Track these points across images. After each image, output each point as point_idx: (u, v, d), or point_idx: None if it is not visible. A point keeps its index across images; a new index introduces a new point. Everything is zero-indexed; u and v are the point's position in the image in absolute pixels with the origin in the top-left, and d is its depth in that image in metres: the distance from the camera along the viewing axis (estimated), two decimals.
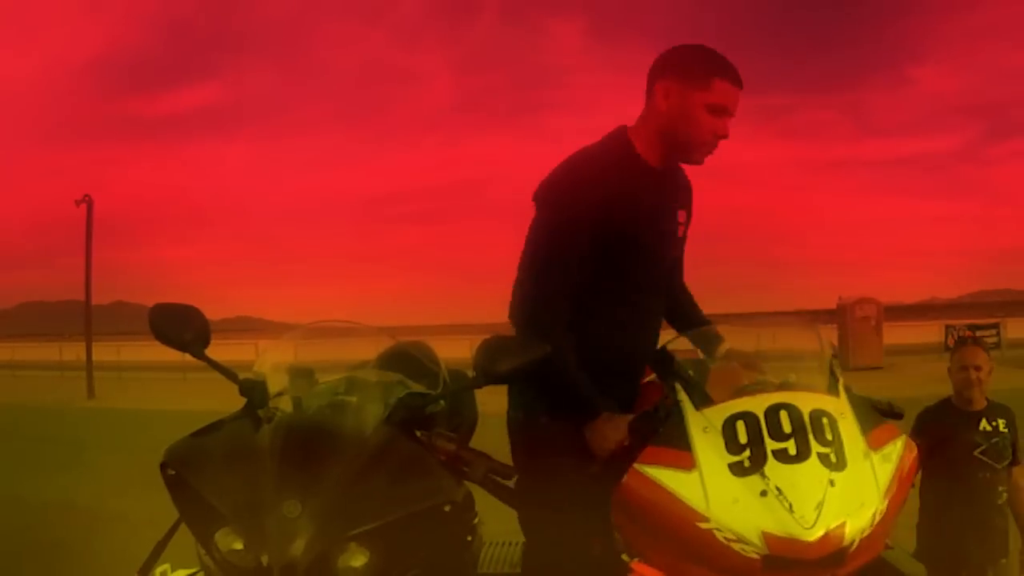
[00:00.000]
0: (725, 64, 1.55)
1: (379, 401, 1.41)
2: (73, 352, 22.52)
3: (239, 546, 1.21)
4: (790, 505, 1.16)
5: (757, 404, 1.27)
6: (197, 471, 1.27)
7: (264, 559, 1.17)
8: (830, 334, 18.64)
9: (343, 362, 1.64)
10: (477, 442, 1.65)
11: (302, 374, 1.46)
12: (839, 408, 1.30)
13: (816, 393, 1.32)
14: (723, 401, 1.32)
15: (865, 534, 1.18)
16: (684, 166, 1.69)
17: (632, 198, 1.54)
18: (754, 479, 1.20)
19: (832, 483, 1.18)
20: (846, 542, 1.16)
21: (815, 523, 1.14)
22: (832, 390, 1.35)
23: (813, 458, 1.20)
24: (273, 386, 1.43)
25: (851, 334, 17.93)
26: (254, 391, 1.40)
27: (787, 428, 1.23)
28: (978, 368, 2.55)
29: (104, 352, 21.57)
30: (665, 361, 1.46)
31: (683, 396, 1.36)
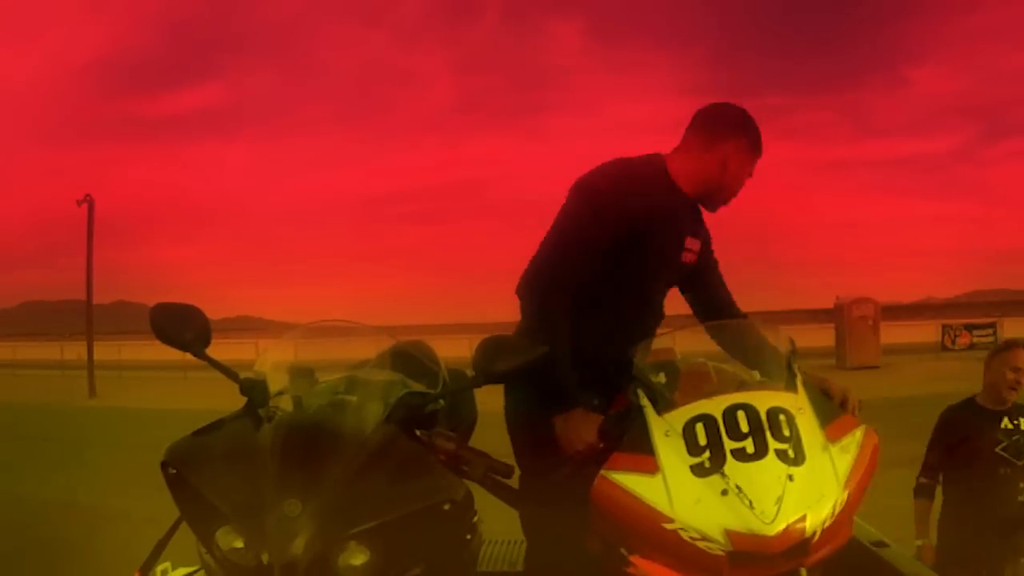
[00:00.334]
0: (753, 129, 1.78)
1: (379, 400, 1.41)
2: (74, 351, 22.53)
3: (240, 544, 1.21)
4: (750, 502, 1.19)
5: (715, 406, 1.31)
6: (198, 470, 1.27)
7: (265, 557, 1.17)
8: (828, 333, 18.55)
9: (343, 361, 1.64)
10: (476, 440, 1.66)
11: (302, 373, 1.46)
12: (797, 404, 1.33)
13: (773, 391, 1.36)
14: (686, 404, 1.35)
15: (827, 524, 1.21)
16: None
17: (652, 214, 1.66)
18: (715, 479, 1.23)
19: (791, 478, 1.21)
20: (808, 534, 1.19)
21: (775, 518, 1.17)
22: (790, 387, 1.38)
23: (771, 455, 1.23)
24: (273, 385, 1.43)
25: (848, 333, 17.95)
26: (255, 390, 1.40)
27: (744, 428, 1.27)
28: (1017, 370, 2.58)
29: (105, 351, 21.60)
30: (631, 367, 1.46)
31: (645, 402, 1.38)
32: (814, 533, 1.19)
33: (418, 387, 1.48)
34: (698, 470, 1.25)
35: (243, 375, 1.43)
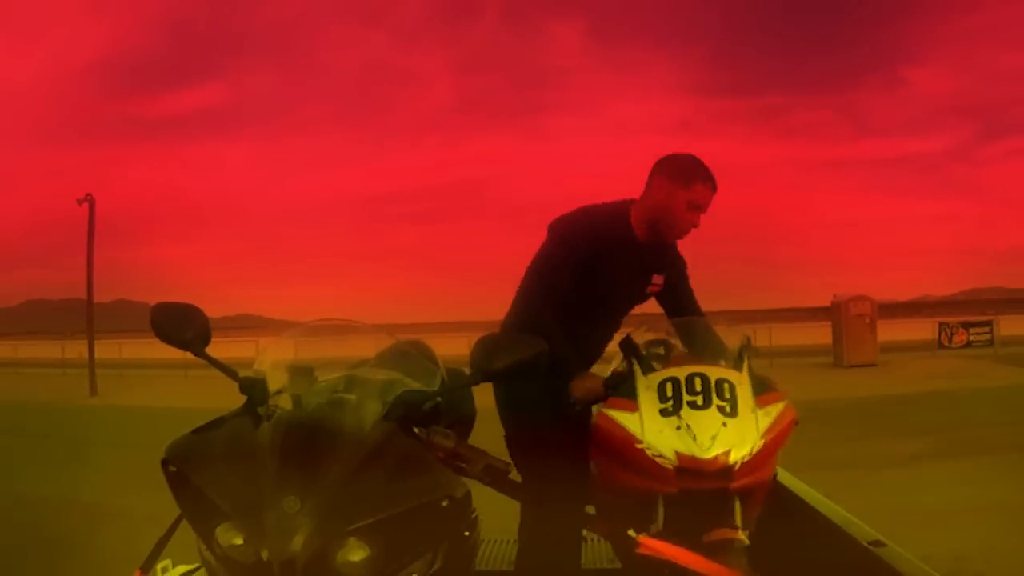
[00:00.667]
0: (706, 172, 2.07)
1: (378, 399, 1.42)
2: (75, 350, 22.53)
3: (239, 541, 1.21)
4: (694, 436, 1.75)
5: (680, 372, 1.88)
6: (198, 468, 1.28)
7: (264, 554, 1.18)
8: (825, 331, 18.62)
9: (342, 360, 1.65)
10: (475, 438, 1.66)
11: (302, 372, 1.47)
12: (739, 379, 1.87)
13: (724, 368, 1.90)
14: (662, 371, 1.91)
15: (746, 460, 1.75)
16: None
17: (611, 258, 2.08)
18: (673, 419, 1.80)
19: (724, 424, 1.77)
20: (731, 462, 1.73)
21: (710, 448, 1.74)
22: (737, 367, 1.92)
23: (713, 408, 1.79)
24: (273, 384, 1.44)
25: (846, 331, 17.94)
26: (254, 389, 1.41)
27: (698, 388, 1.83)
28: None
29: (106, 350, 21.59)
30: (629, 344, 2.02)
31: (636, 367, 1.95)
32: (735, 463, 1.74)
33: (416, 385, 1.49)
34: (663, 413, 1.82)
35: (243, 374, 1.44)
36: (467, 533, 1.46)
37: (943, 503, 5.29)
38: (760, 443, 1.77)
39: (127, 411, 13.18)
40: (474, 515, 1.49)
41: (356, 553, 1.20)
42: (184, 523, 1.38)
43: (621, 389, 1.94)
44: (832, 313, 18.75)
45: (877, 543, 1.64)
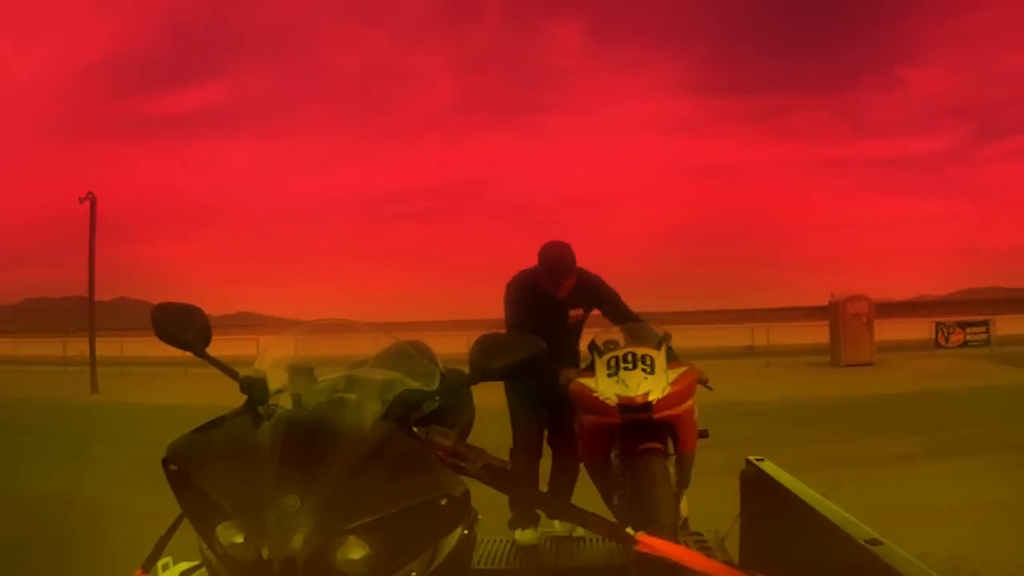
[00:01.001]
0: (557, 268, 3.13)
1: (377, 398, 1.42)
2: (77, 348, 22.56)
3: (240, 540, 1.22)
4: (627, 385, 2.73)
5: (620, 352, 2.87)
6: (198, 467, 1.28)
7: (264, 552, 1.18)
8: (823, 330, 18.91)
9: (342, 359, 1.65)
10: (474, 437, 1.67)
11: (302, 371, 1.47)
12: (657, 355, 2.84)
13: (648, 348, 2.87)
14: (609, 353, 2.89)
15: (660, 398, 2.69)
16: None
17: (538, 303, 3.18)
18: (615, 378, 2.78)
19: (646, 378, 2.74)
20: (650, 399, 2.68)
21: (636, 390, 2.71)
22: (657, 347, 2.88)
23: (638, 369, 2.77)
24: (273, 383, 1.44)
25: (843, 331, 17.93)
26: (254, 388, 1.41)
27: (630, 360, 2.81)
28: None
29: (107, 348, 21.60)
30: (592, 344, 3.01)
31: (595, 355, 2.91)
32: (653, 400, 2.68)
33: (416, 385, 1.49)
34: (609, 375, 2.80)
35: (243, 373, 1.44)
36: (466, 531, 1.47)
37: (939, 502, 5.30)
38: (669, 388, 2.74)
39: (128, 409, 13.20)
40: (473, 514, 1.50)
41: (356, 551, 1.21)
42: (185, 521, 1.38)
43: (587, 368, 2.96)
44: (829, 312, 18.76)
45: (874, 541, 1.64)
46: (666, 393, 2.69)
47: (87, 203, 18.82)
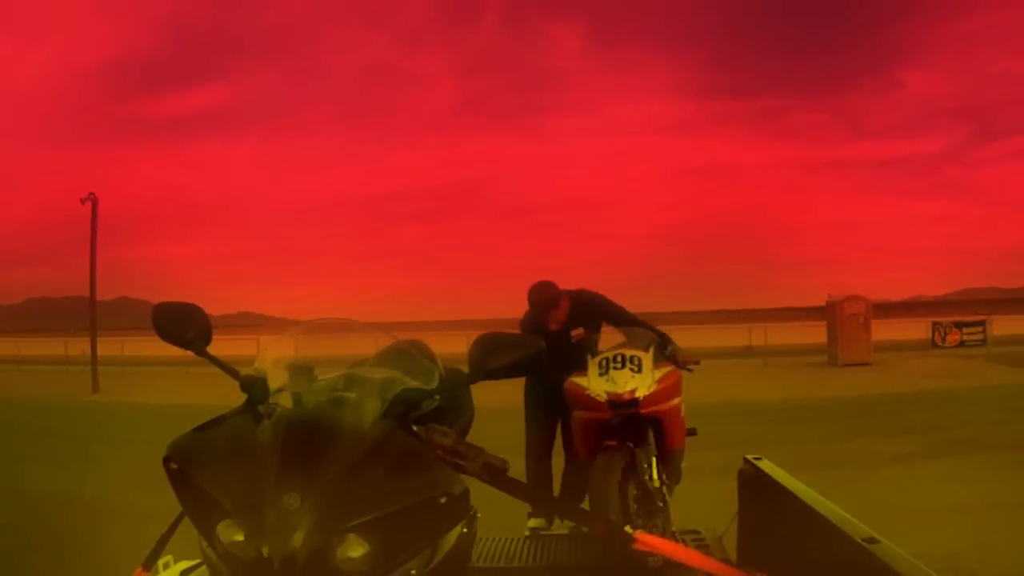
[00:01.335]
0: (536, 306, 3.53)
1: (377, 397, 1.43)
2: (78, 347, 22.59)
3: (240, 538, 1.22)
4: (615, 382, 2.98)
5: (610, 353, 3.10)
6: (199, 465, 1.28)
7: (265, 550, 1.19)
8: (820, 331, 19.10)
9: (342, 359, 1.66)
10: (473, 436, 1.68)
11: (302, 370, 1.48)
12: (645, 356, 3.07)
13: (636, 350, 3.10)
14: (600, 355, 3.13)
15: (646, 395, 2.95)
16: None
17: (542, 329, 3.46)
18: (605, 376, 3.02)
19: (633, 376, 2.98)
20: (637, 395, 2.94)
21: (625, 387, 2.95)
22: (645, 349, 3.10)
23: (626, 368, 3.02)
24: (273, 382, 1.45)
25: (840, 331, 17.94)
26: (255, 387, 1.41)
27: (619, 360, 3.04)
28: None
29: (109, 347, 21.62)
30: (588, 348, 3.27)
31: (589, 356, 3.16)
32: (640, 396, 2.94)
33: (415, 384, 1.49)
34: (600, 374, 3.04)
35: (243, 372, 1.44)
36: (465, 530, 1.47)
37: (937, 501, 5.31)
38: (655, 386, 2.99)
39: (129, 408, 13.22)
40: (472, 512, 1.50)
41: (356, 549, 1.21)
42: (185, 520, 1.39)
43: (581, 370, 3.18)
44: (827, 313, 18.76)
45: (871, 540, 1.65)
46: (652, 390, 2.94)
47: (88, 203, 18.87)
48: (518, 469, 3.15)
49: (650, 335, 3.26)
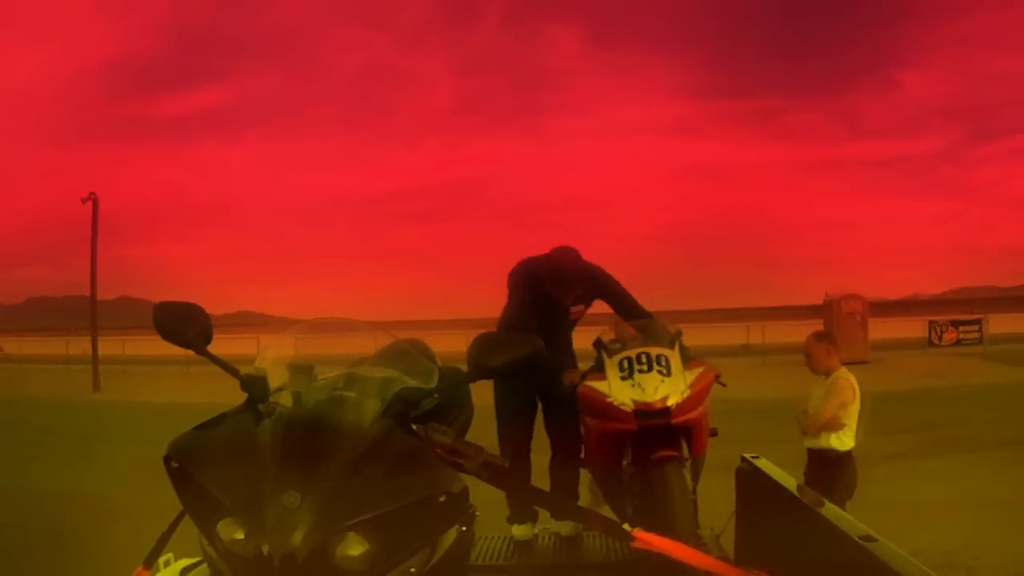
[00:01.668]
0: (560, 273, 3.01)
1: (376, 396, 1.43)
2: (79, 346, 22.57)
3: (240, 536, 1.23)
4: (643, 389, 2.57)
5: (632, 352, 2.71)
6: (200, 464, 1.29)
7: (265, 548, 1.19)
8: (817, 329, 19.24)
9: (342, 358, 1.67)
10: (472, 435, 1.68)
11: (302, 370, 1.48)
12: (672, 354, 2.69)
13: (661, 348, 2.72)
14: (620, 353, 2.75)
15: (677, 403, 2.54)
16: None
17: (542, 296, 3.05)
18: (629, 381, 2.61)
19: (663, 381, 2.58)
20: (668, 404, 2.53)
21: (654, 395, 2.55)
22: (671, 346, 2.74)
23: (654, 371, 2.61)
24: (274, 381, 1.45)
25: (837, 329, 17.85)
26: (255, 386, 1.42)
27: (644, 361, 2.65)
28: None
29: (110, 346, 21.63)
30: (599, 342, 2.90)
31: (603, 353, 2.80)
32: (672, 404, 2.54)
33: (414, 383, 1.49)
34: (622, 378, 2.63)
35: (244, 371, 1.45)
36: (464, 528, 1.48)
37: (933, 499, 5.31)
38: (688, 391, 2.58)
39: (130, 407, 13.22)
40: (471, 510, 1.51)
41: (355, 548, 1.22)
42: (186, 518, 1.39)
43: (595, 368, 2.84)
44: (824, 311, 18.76)
45: (868, 538, 1.65)
46: (685, 397, 2.53)
47: (89, 204, 18.87)
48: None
49: (667, 330, 2.86)
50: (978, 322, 20.27)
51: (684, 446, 2.61)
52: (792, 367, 17.48)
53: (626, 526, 1.72)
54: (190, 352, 1.52)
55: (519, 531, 3.11)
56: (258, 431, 1.33)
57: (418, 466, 1.33)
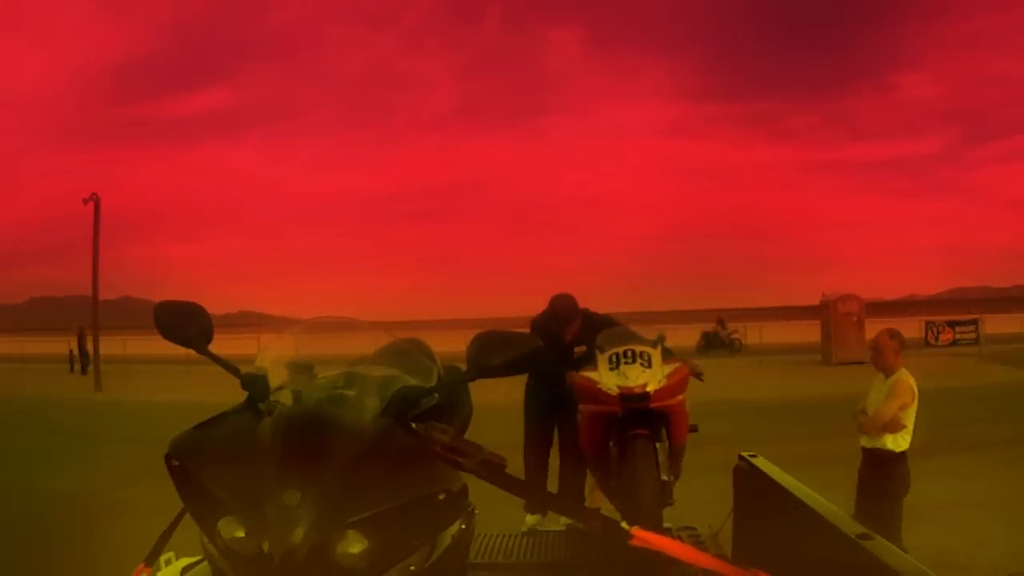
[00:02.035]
0: (557, 311, 3.84)
1: (376, 395, 1.44)
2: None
3: (241, 534, 1.24)
4: (627, 377, 2.98)
5: (620, 349, 3.09)
6: (200, 462, 1.30)
7: (265, 546, 1.20)
8: (815, 329, 19.01)
9: (342, 357, 1.67)
10: (472, 434, 1.69)
11: (302, 369, 1.49)
12: (654, 352, 3.09)
13: (645, 347, 3.11)
14: (610, 349, 3.12)
15: (656, 389, 2.94)
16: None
17: (549, 338, 3.61)
18: (616, 371, 3.02)
19: (644, 371, 2.98)
20: (648, 389, 2.93)
21: (636, 381, 2.95)
22: (654, 347, 3.12)
23: (637, 364, 3.01)
24: (274, 380, 1.46)
25: (834, 330, 17.92)
26: (256, 385, 1.43)
27: (630, 356, 3.04)
28: None
29: (111, 346, 21.65)
30: (596, 343, 3.23)
31: (596, 352, 3.16)
32: (651, 391, 2.93)
33: (414, 382, 1.50)
34: (611, 368, 3.04)
35: (244, 370, 1.45)
36: (463, 526, 1.49)
37: (929, 498, 5.31)
38: (665, 381, 3.01)
39: (131, 406, 13.23)
40: (470, 508, 1.52)
41: (355, 545, 1.22)
42: (187, 516, 1.40)
43: (588, 363, 3.27)
44: (821, 312, 18.73)
45: (865, 536, 1.67)
46: (662, 385, 2.99)
47: (91, 204, 18.88)
48: (516, 467, 3.15)
49: (656, 336, 3.33)
50: (974, 322, 20.25)
51: (664, 433, 3.05)
52: (789, 367, 17.52)
53: (624, 524, 1.72)
54: (191, 351, 1.52)
55: (532, 520, 3.65)
56: (258, 430, 1.34)
57: (418, 464, 1.33)
